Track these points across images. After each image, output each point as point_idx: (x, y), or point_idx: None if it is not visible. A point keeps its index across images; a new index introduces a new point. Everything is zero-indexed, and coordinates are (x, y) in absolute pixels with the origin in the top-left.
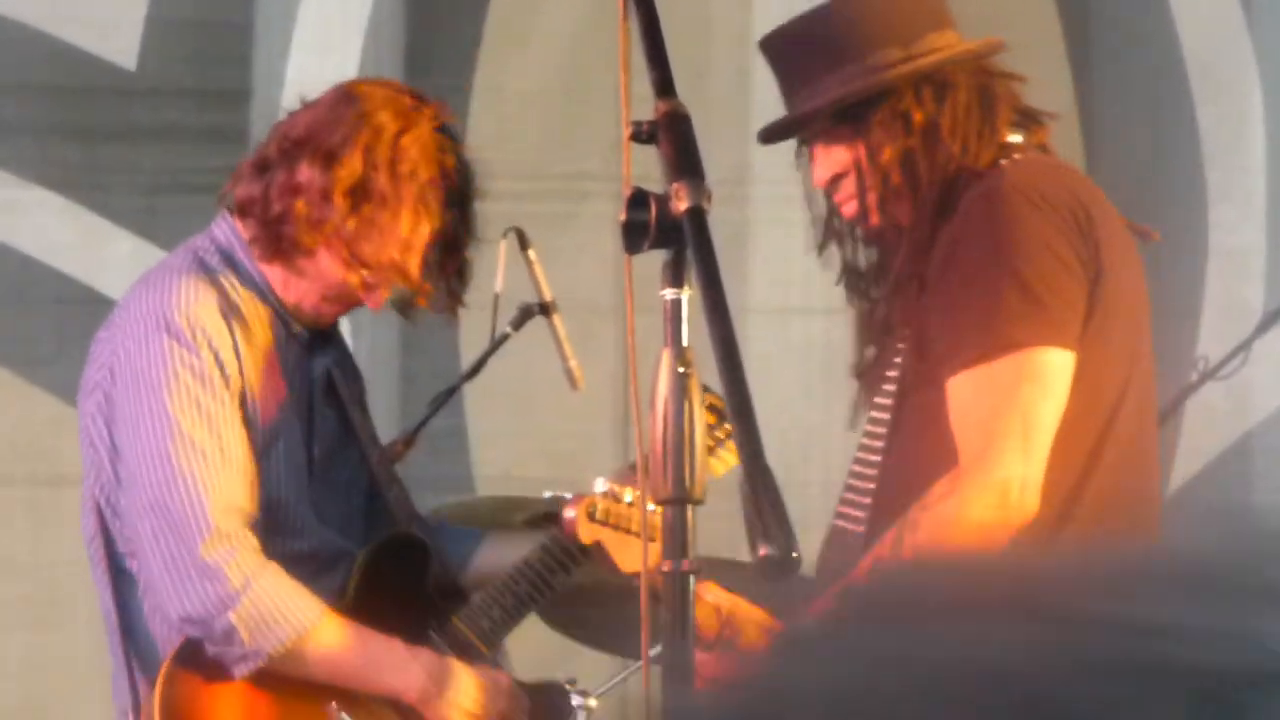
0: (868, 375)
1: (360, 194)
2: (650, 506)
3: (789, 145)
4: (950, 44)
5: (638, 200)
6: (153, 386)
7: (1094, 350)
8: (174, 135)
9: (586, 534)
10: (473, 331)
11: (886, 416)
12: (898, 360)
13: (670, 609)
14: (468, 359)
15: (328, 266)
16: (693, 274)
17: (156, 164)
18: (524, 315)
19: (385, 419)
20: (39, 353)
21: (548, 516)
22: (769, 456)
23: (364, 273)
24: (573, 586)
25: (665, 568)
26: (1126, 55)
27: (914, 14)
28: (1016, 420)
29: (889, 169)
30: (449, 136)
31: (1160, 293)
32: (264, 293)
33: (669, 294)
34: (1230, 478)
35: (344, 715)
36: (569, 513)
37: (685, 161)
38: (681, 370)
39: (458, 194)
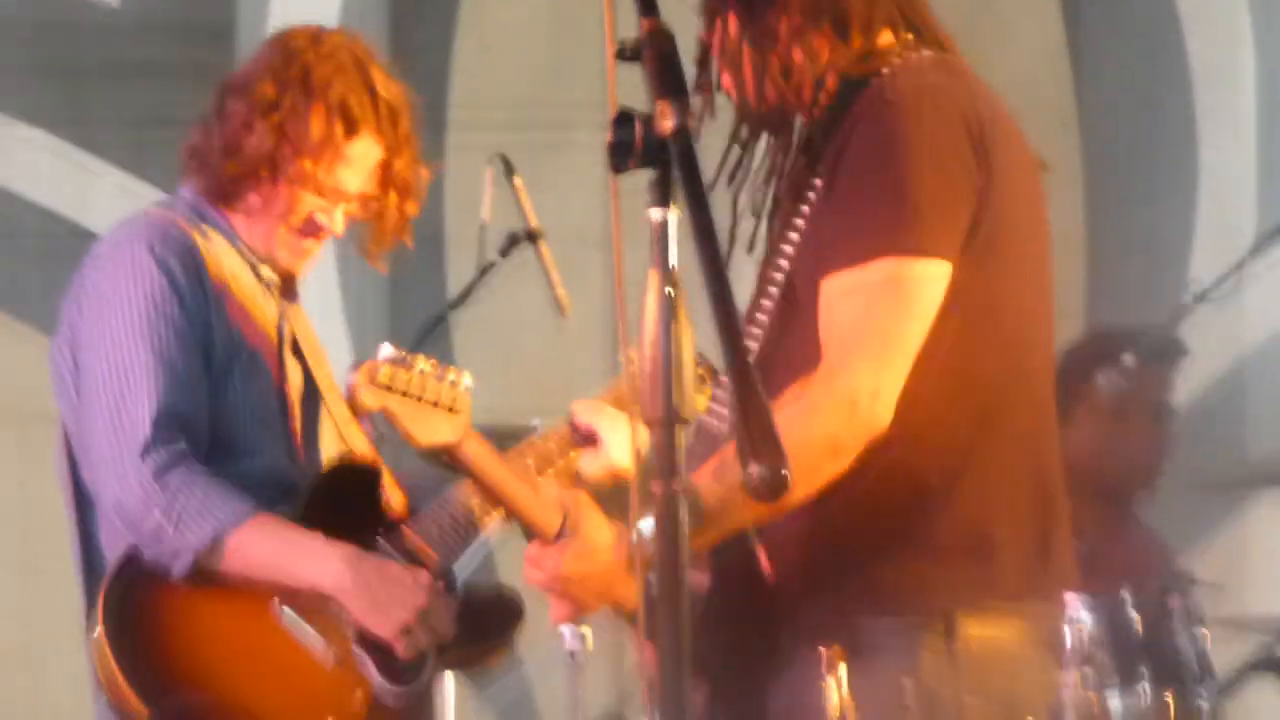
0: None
1: (273, 111)
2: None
3: None
4: None
5: (623, 120)
6: (111, 307)
7: (988, 267)
8: (158, 71)
9: (371, 398)
10: (459, 262)
11: (768, 312)
12: (781, 257)
13: (660, 531)
14: (454, 289)
15: (268, 193)
16: (679, 193)
17: (141, 100)
18: (510, 243)
19: (373, 350)
20: (26, 289)
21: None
22: None
23: (297, 189)
24: None
25: (655, 489)
26: None
27: None
28: (874, 328)
29: (770, 54)
30: (365, 56)
31: (1154, 218)
32: (232, 238)
33: (655, 214)
34: (1226, 399)
35: (285, 609)
36: (349, 378)
37: (670, 80)
38: (669, 291)
39: (383, 106)
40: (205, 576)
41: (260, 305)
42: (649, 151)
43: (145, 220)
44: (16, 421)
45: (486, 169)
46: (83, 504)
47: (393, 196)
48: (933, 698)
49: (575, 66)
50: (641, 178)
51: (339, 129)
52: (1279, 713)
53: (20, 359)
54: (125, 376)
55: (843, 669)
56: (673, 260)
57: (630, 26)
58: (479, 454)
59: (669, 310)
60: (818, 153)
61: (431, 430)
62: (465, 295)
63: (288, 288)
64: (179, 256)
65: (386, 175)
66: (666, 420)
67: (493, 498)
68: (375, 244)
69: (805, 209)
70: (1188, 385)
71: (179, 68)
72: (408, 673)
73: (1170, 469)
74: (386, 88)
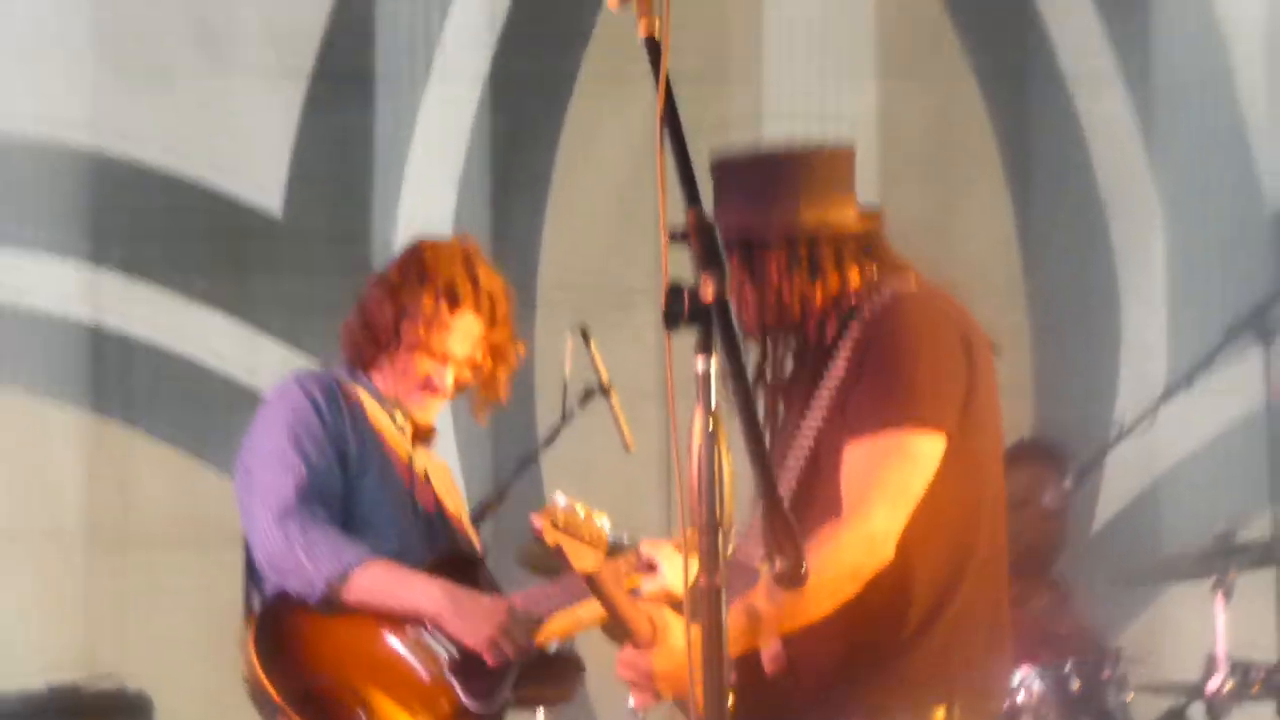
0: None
1: (398, 296)
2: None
3: None
4: (841, 215)
5: (675, 291)
6: (268, 425)
7: (969, 439)
8: (310, 267)
9: (550, 537)
10: (546, 412)
11: (795, 474)
12: (806, 432)
13: (705, 619)
14: (543, 432)
15: (395, 357)
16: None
17: (297, 289)
18: (586, 395)
19: (480, 486)
20: (208, 439)
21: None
22: None
23: (415, 353)
24: None
25: (701, 583)
26: (1055, 187)
27: (818, 182)
28: (888, 485)
29: (763, 291)
30: (473, 254)
31: (1084, 371)
32: (372, 392)
33: (699, 363)
34: (1144, 513)
35: (391, 636)
36: (536, 522)
37: (711, 257)
38: (711, 426)
39: (483, 294)
40: (333, 606)
41: (396, 437)
42: (695, 314)
43: (299, 371)
44: (199, 545)
45: (568, 336)
46: (253, 573)
47: (489, 362)
48: None
49: (637, 249)
50: (687, 345)
51: (444, 305)
52: None
53: (204, 495)
54: (275, 466)
55: None
56: (713, 400)
57: (678, 214)
58: (608, 579)
59: (712, 440)
60: (825, 358)
61: (583, 560)
62: (552, 438)
63: (421, 434)
64: (321, 388)
65: (486, 345)
66: (710, 526)
67: (610, 610)
68: (479, 402)
69: (823, 397)
70: (1115, 501)
71: (326, 264)
72: (488, 696)
73: (1104, 568)
74: (487, 276)
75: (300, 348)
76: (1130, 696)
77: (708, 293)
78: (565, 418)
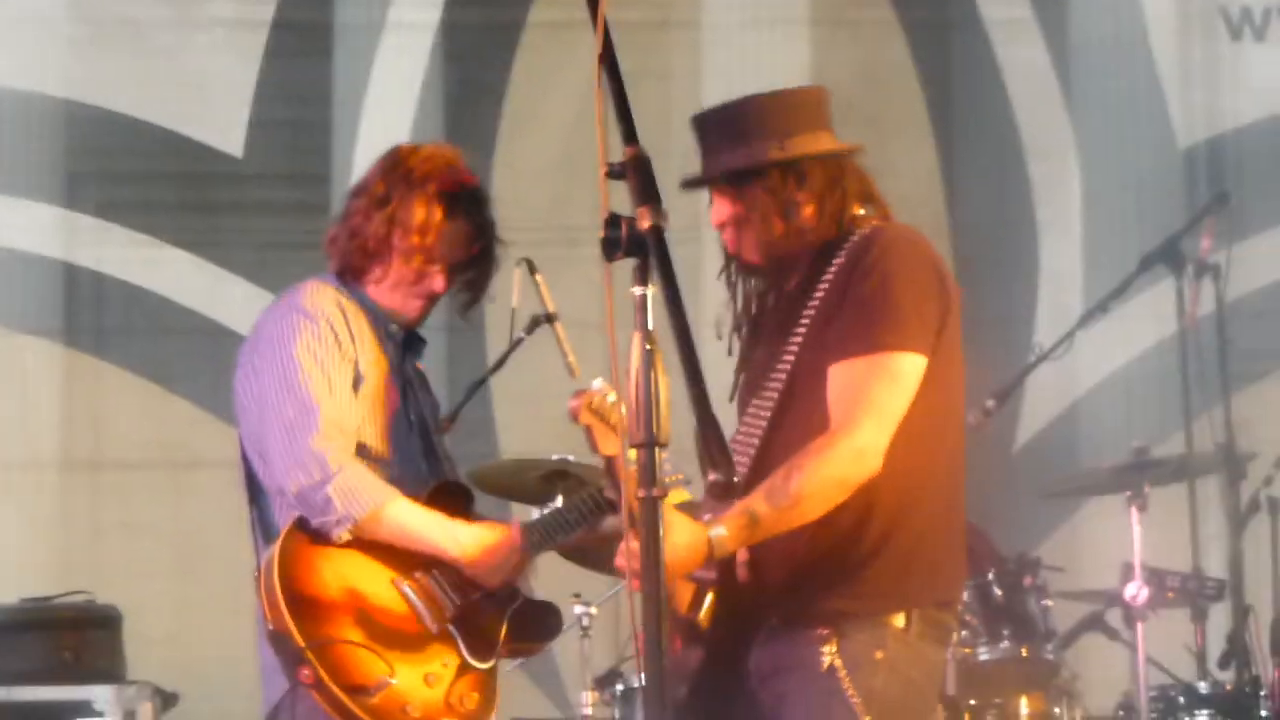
0: (755, 365)
1: (385, 203)
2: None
3: None
4: (817, 144)
5: (613, 221)
6: (284, 342)
7: (941, 361)
8: (272, 207)
9: (583, 418)
10: (496, 340)
11: (774, 394)
12: (786, 356)
13: (643, 529)
14: (492, 358)
15: (390, 267)
16: (655, 275)
17: (260, 227)
18: (534, 324)
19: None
20: (173, 369)
21: (556, 474)
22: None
23: (410, 260)
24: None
25: (639, 494)
26: (976, 129)
27: (794, 118)
28: (874, 402)
29: (760, 223)
30: (455, 157)
31: (1007, 299)
32: (365, 304)
33: (637, 291)
34: (1063, 432)
35: (404, 584)
36: (574, 402)
37: (647, 191)
38: (648, 348)
39: (468, 195)
40: (353, 542)
41: (390, 356)
42: (632, 244)
43: (303, 288)
44: (169, 468)
45: (515, 269)
46: (256, 493)
47: (479, 264)
48: (895, 670)
49: (581, 194)
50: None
51: (437, 209)
52: (1104, 659)
53: (170, 422)
54: (298, 392)
55: (834, 643)
56: (650, 324)
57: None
58: (623, 465)
59: (649, 362)
60: (809, 286)
61: (608, 445)
62: (500, 363)
63: (413, 342)
64: (336, 305)
65: (476, 247)
66: (648, 443)
67: (622, 497)
68: (464, 303)
69: (803, 325)
70: (1036, 421)
71: (286, 205)
72: (485, 650)
73: (1025, 483)
74: (470, 179)
75: (262, 284)
76: (1050, 603)
77: (645, 224)
78: (513, 345)
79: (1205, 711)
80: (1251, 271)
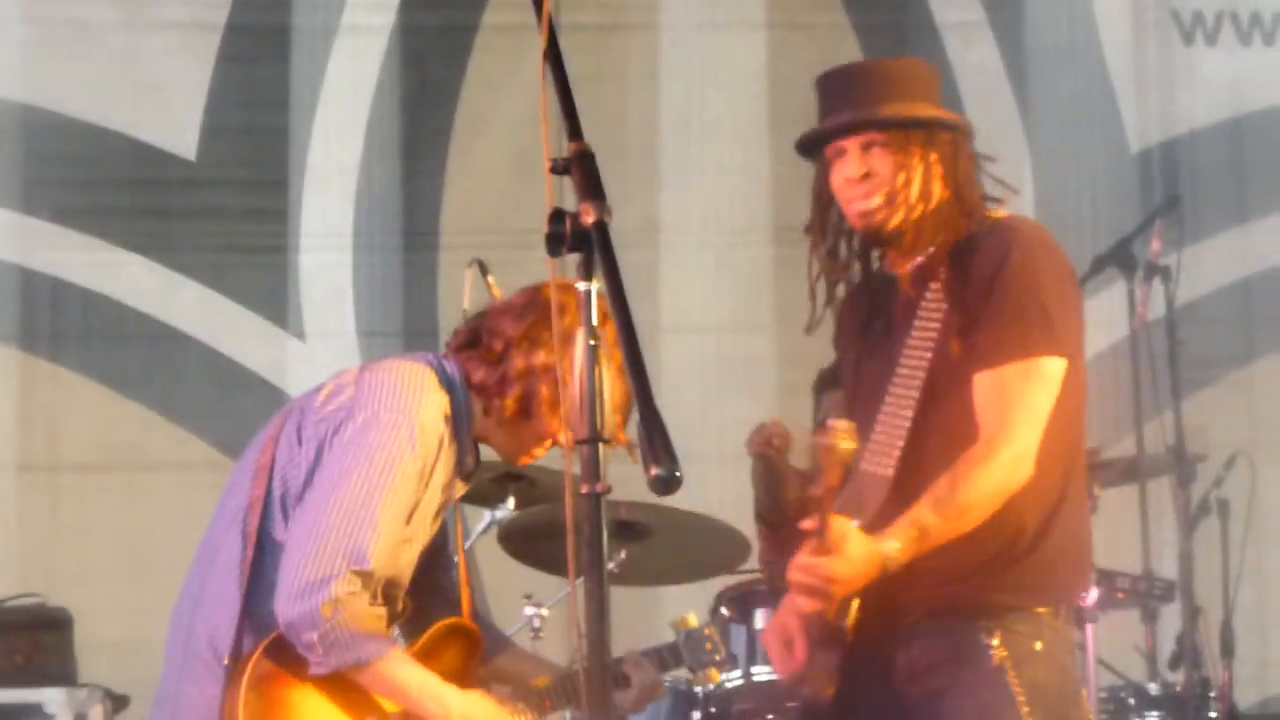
0: (881, 356)
1: (538, 379)
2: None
3: (685, 206)
4: (931, 113)
5: (557, 216)
6: (379, 450)
7: (1076, 362)
8: (227, 212)
9: (828, 460)
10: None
11: (914, 394)
12: (922, 353)
13: (588, 525)
14: None
15: (512, 414)
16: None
17: (215, 232)
18: None
19: None
20: (127, 372)
21: (509, 476)
22: (675, 435)
23: (539, 431)
24: (529, 524)
25: (582, 489)
26: None
27: (939, 93)
28: (1029, 408)
29: (928, 185)
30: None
31: None
32: (463, 421)
33: (582, 285)
34: None
35: None
36: (824, 441)
37: (591, 186)
38: (592, 343)
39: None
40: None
41: (449, 487)
42: (576, 239)
43: (426, 393)
44: (125, 470)
45: (468, 270)
46: (263, 544)
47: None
48: (1051, 660)
49: (534, 196)
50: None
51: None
52: None
53: (124, 425)
54: (352, 514)
55: (998, 636)
56: (594, 319)
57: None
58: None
59: (592, 355)
60: (946, 280)
61: (833, 478)
62: None
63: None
64: (436, 442)
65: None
66: (592, 438)
67: (824, 518)
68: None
69: (935, 321)
70: None
71: (240, 210)
72: None
73: None
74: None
75: (217, 288)
76: None
77: (588, 219)
78: None
79: (1155, 713)
80: (1202, 275)
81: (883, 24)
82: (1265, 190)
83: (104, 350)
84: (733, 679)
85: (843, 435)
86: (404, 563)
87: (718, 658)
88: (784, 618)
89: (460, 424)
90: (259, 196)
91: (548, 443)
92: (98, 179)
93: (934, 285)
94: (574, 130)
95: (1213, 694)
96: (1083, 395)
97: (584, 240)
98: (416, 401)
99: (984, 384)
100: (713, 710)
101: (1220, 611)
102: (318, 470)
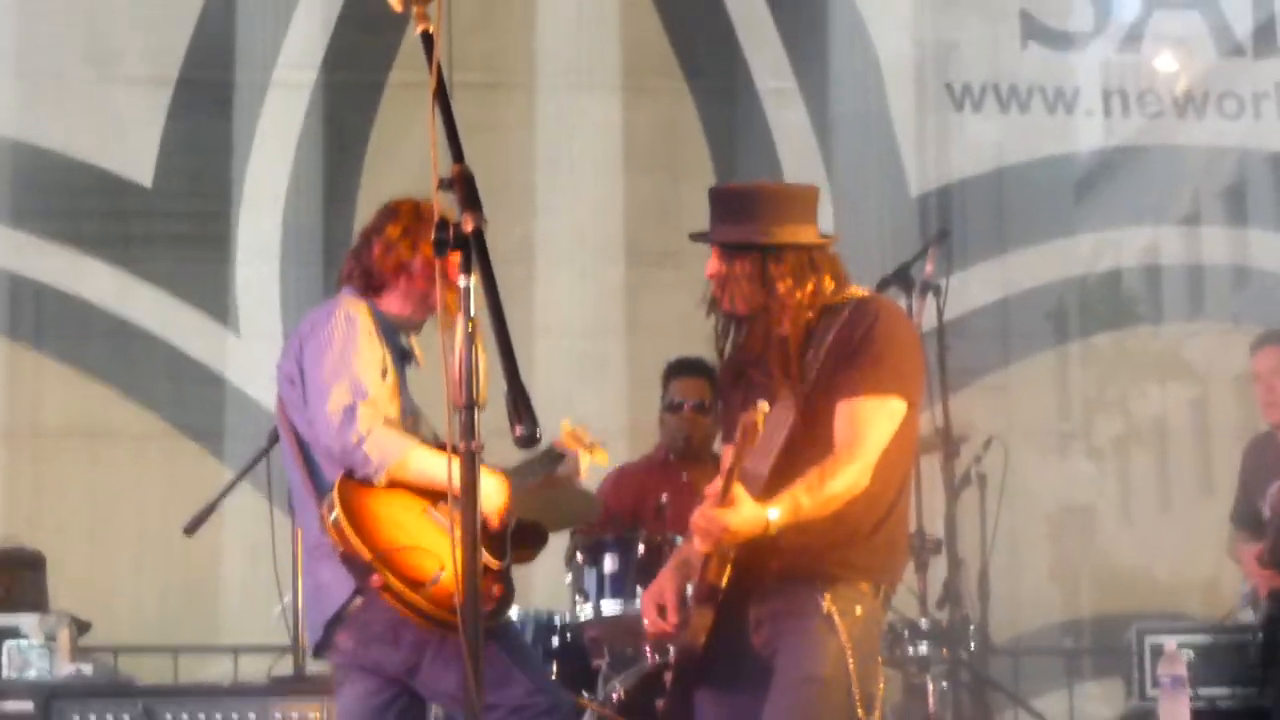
0: (760, 395)
1: (399, 247)
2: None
3: (557, 226)
4: (797, 235)
5: (442, 225)
6: (329, 330)
7: (914, 406)
8: (180, 237)
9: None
10: None
11: (792, 416)
12: (792, 389)
13: (462, 479)
14: None
15: (408, 288)
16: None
17: (168, 251)
18: None
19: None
20: (97, 360)
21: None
22: (544, 417)
23: (429, 287)
24: None
25: (460, 447)
26: (750, 177)
27: (785, 211)
28: (874, 432)
29: (739, 284)
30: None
31: None
32: (379, 315)
33: (462, 280)
34: None
35: (432, 510)
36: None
37: (471, 200)
38: (469, 329)
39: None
40: (390, 485)
41: (391, 359)
42: (458, 243)
43: (343, 300)
44: (91, 438)
45: None
46: (305, 452)
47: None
48: (867, 623)
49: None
50: None
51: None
52: None
53: (92, 400)
54: (352, 376)
55: (829, 595)
56: (472, 310)
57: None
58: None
59: (469, 339)
60: (811, 338)
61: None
62: None
63: (405, 354)
64: (368, 320)
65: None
66: (468, 405)
67: (733, 469)
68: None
69: (812, 366)
70: None
71: (190, 235)
72: (499, 554)
73: None
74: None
75: (169, 291)
76: None
77: (469, 226)
78: None
79: (925, 642)
80: (968, 295)
81: (715, 89)
82: (1020, 228)
83: (76, 341)
84: (584, 611)
85: (761, 417)
86: (393, 415)
87: (588, 441)
88: (660, 585)
89: (379, 319)
90: (204, 218)
91: (443, 280)
92: (73, 202)
93: (817, 340)
94: (457, 154)
95: (971, 627)
96: (916, 433)
97: (464, 243)
98: (339, 305)
99: (844, 410)
100: (568, 637)
101: (979, 563)
102: (305, 381)
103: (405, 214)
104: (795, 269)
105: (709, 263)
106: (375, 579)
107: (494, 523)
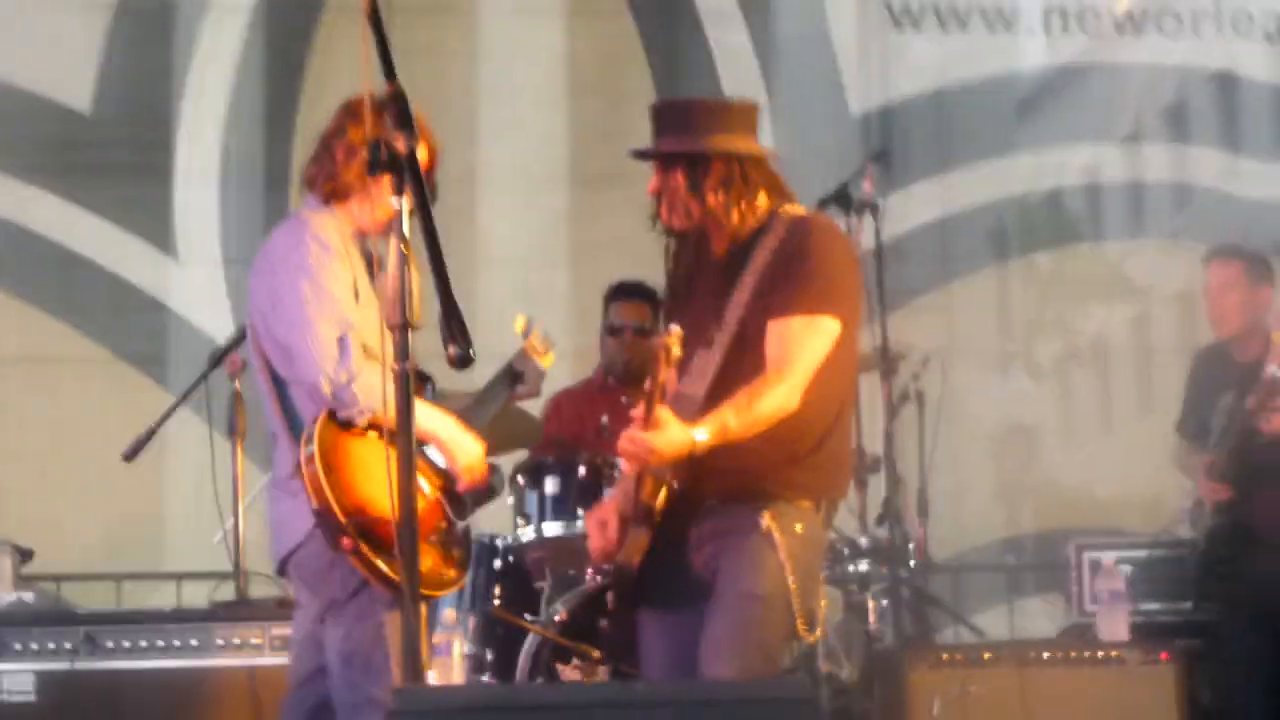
0: (694, 313)
1: (358, 146)
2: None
3: (499, 153)
4: (729, 145)
5: (375, 145)
6: (301, 258)
7: (851, 325)
8: (119, 164)
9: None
10: None
11: (725, 341)
12: (732, 310)
13: (397, 396)
14: None
15: (371, 195)
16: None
17: (111, 179)
18: None
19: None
20: (41, 286)
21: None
22: (488, 342)
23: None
24: None
25: (394, 368)
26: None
27: (721, 122)
28: (806, 352)
29: (676, 196)
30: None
31: None
32: (345, 226)
33: (394, 201)
34: None
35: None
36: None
37: (404, 120)
38: (402, 248)
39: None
40: (370, 427)
41: (364, 267)
42: (391, 162)
43: (309, 218)
44: (37, 364)
45: None
46: (279, 387)
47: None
48: (807, 540)
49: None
50: None
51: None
52: None
53: (36, 327)
54: (332, 309)
55: (768, 514)
56: (405, 230)
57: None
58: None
59: (403, 260)
60: (744, 258)
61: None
62: None
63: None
64: (335, 237)
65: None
66: (402, 325)
67: (653, 390)
68: None
69: (746, 286)
70: None
71: (131, 163)
72: (460, 512)
73: None
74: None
75: (111, 220)
76: None
77: (400, 146)
78: None
79: (865, 560)
80: (907, 215)
81: (657, 12)
82: (960, 147)
83: (21, 270)
84: (526, 534)
85: (675, 341)
86: (373, 341)
87: (543, 348)
88: (603, 508)
89: (346, 231)
90: (144, 145)
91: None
92: (11, 129)
93: (750, 259)
94: (389, 72)
95: (910, 545)
96: (855, 352)
97: (396, 164)
98: (307, 227)
99: (775, 330)
100: (510, 559)
101: (918, 481)
102: (280, 311)
103: (359, 122)
104: (725, 179)
105: (651, 180)
106: (346, 542)
107: (465, 481)
